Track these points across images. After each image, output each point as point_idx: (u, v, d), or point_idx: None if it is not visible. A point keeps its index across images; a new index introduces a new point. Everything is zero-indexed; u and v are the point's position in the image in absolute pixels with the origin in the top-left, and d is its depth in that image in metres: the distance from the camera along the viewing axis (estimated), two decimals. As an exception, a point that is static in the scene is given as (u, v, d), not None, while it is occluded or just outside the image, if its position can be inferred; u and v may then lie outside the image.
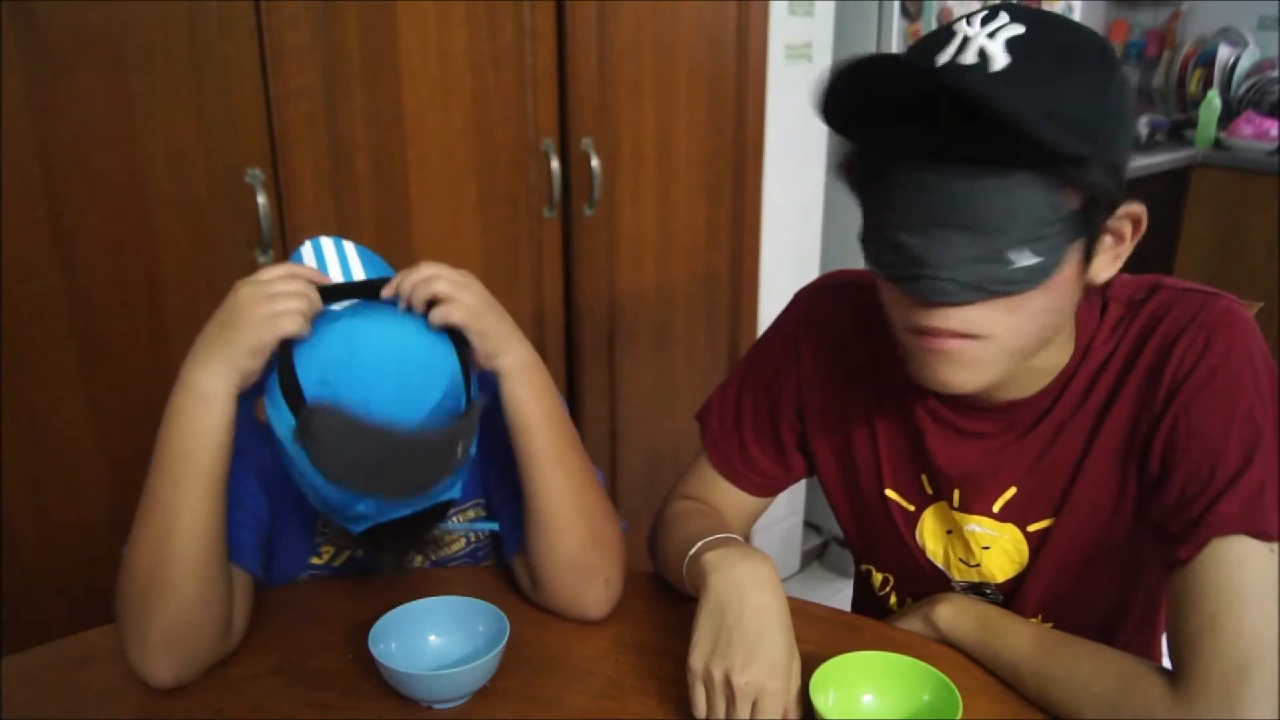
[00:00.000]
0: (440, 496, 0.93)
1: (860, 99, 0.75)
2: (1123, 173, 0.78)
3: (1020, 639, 0.89)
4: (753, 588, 0.84)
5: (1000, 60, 0.73)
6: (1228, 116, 3.53)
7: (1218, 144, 3.45)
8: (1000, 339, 0.80)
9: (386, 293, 0.92)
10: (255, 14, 1.36)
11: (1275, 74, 3.55)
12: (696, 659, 0.83)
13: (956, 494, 0.97)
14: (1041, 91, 0.72)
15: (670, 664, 0.94)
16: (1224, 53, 3.65)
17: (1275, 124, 3.37)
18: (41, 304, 1.30)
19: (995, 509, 0.96)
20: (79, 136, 1.28)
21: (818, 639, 0.95)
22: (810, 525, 2.67)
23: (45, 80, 1.24)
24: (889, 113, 0.75)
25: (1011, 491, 0.95)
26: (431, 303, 0.91)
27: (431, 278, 0.90)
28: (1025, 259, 0.75)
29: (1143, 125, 3.48)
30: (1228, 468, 0.79)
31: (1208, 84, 3.66)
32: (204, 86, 1.35)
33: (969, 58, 0.73)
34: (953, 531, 1.00)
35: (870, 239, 0.82)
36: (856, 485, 1.04)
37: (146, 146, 1.33)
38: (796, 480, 1.10)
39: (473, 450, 0.96)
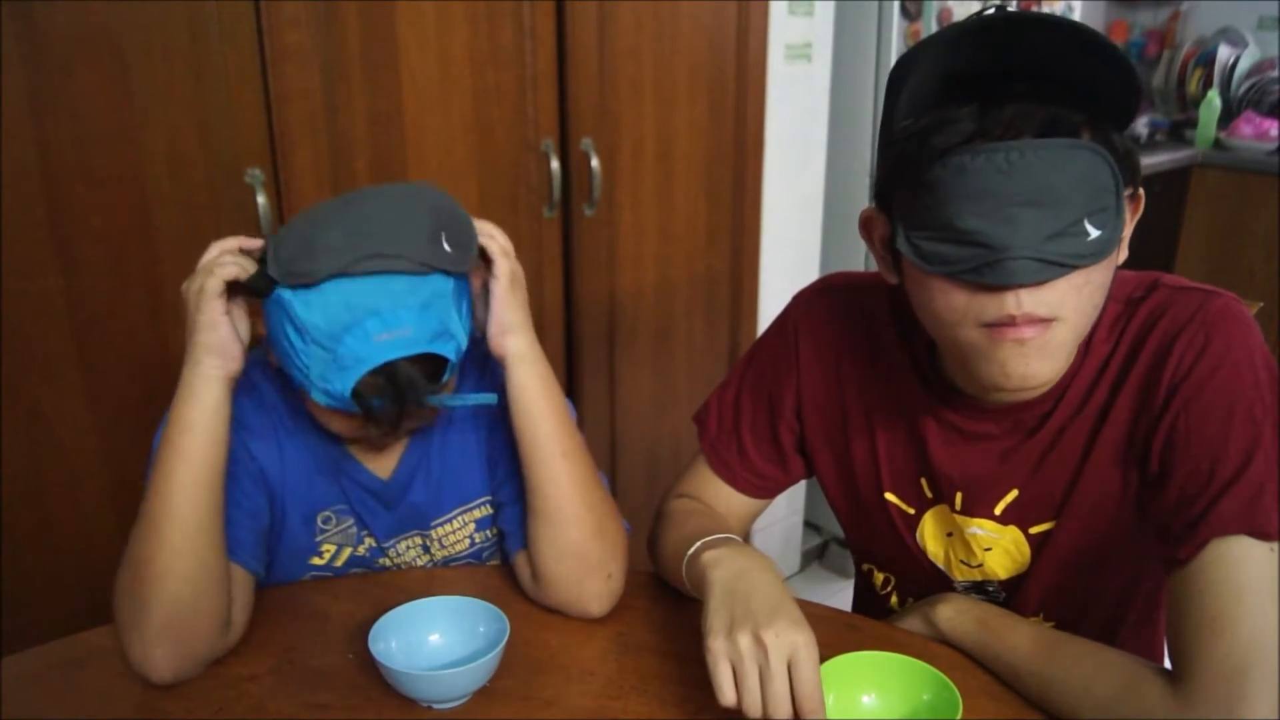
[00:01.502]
0: (432, 346, 0.90)
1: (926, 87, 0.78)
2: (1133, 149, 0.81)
3: (1020, 639, 0.89)
4: (757, 572, 0.85)
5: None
6: (1228, 116, 3.53)
7: (1218, 144, 3.45)
8: (1070, 320, 0.79)
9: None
10: (255, 14, 1.36)
11: (1275, 74, 3.55)
12: (715, 638, 0.79)
13: (959, 497, 0.97)
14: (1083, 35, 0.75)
15: (671, 664, 0.94)
16: (1224, 53, 3.65)
17: (1275, 124, 3.37)
18: (41, 304, 1.30)
19: (997, 512, 0.96)
20: (79, 136, 1.28)
21: (818, 639, 0.95)
22: (810, 525, 2.67)
23: (45, 80, 1.24)
24: (950, 100, 0.77)
25: (1014, 494, 0.95)
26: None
27: (494, 233, 0.96)
28: (1094, 230, 0.77)
29: (1143, 125, 3.48)
30: (1227, 467, 0.79)
31: (1207, 84, 3.66)
32: (204, 87, 1.35)
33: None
34: (953, 534, 1.00)
35: (922, 241, 0.80)
36: (856, 488, 1.04)
37: (146, 146, 1.33)
38: (795, 482, 1.10)
39: (465, 324, 0.94)
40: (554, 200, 1.74)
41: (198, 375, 0.90)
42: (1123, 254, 0.84)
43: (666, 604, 1.03)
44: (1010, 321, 0.78)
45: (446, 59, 1.56)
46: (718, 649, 0.79)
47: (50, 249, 1.29)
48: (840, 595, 2.50)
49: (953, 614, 0.95)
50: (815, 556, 2.70)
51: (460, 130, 1.61)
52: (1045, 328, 0.79)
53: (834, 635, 0.96)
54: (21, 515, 1.34)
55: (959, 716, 0.80)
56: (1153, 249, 3.45)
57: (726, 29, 1.91)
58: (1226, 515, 0.78)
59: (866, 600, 1.15)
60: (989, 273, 0.76)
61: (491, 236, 0.96)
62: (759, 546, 2.32)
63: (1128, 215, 0.84)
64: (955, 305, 0.81)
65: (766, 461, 1.07)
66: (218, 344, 0.89)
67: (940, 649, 0.95)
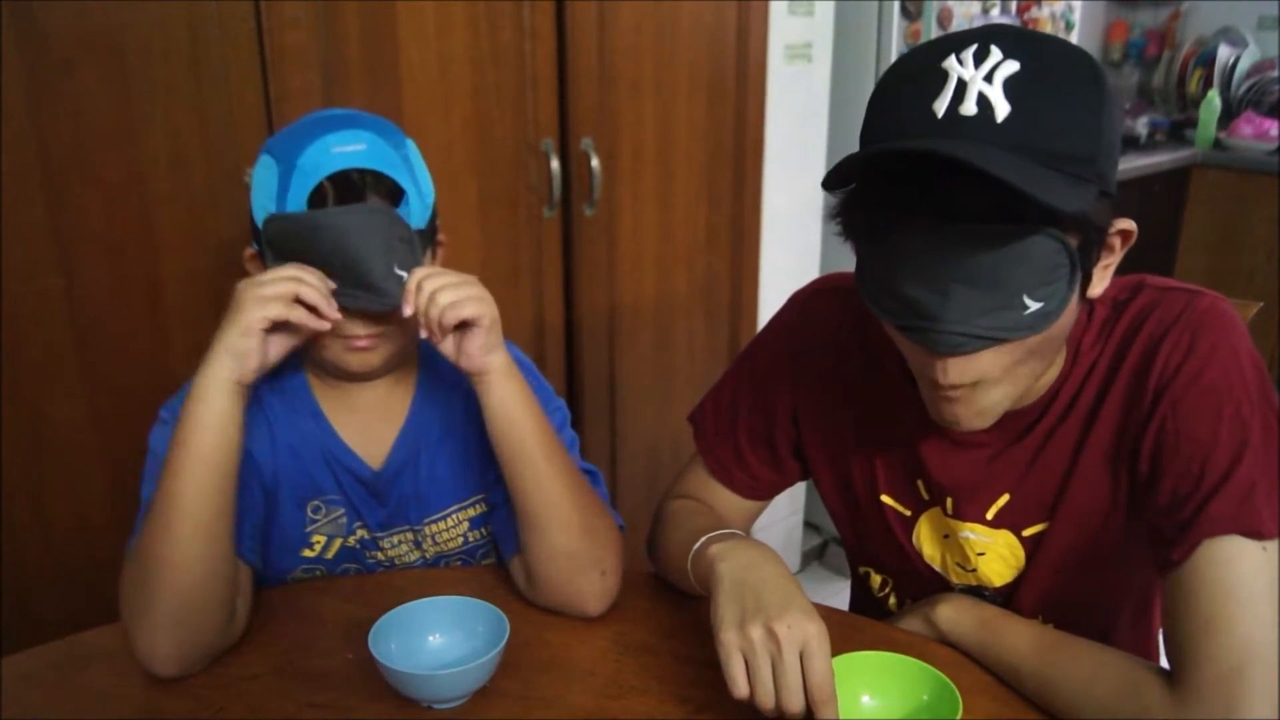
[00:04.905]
0: (387, 169, 0.95)
1: (866, 170, 0.77)
2: (1114, 192, 0.77)
3: (1020, 639, 0.89)
4: (766, 564, 0.85)
5: (1002, 109, 0.71)
6: (1228, 116, 3.53)
7: (1217, 144, 3.46)
8: (1004, 381, 0.81)
9: (407, 311, 0.94)
10: (255, 14, 1.36)
11: (1275, 74, 3.56)
12: (727, 630, 0.79)
13: (949, 502, 0.97)
14: (1044, 140, 0.71)
15: (670, 664, 0.94)
16: (1224, 53, 3.65)
17: (1275, 124, 3.37)
18: (41, 304, 1.30)
19: (989, 516, 0.96)
20: (79, 136, 1.28)
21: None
22: (810, 525, 2.67)
23: (45, 80, 1.24)
24: (894, 174, 0.75)
25: (1005, 499, 0.95)
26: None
27: (457, 302, 0.92)
28: (1033, 304, 0.75)
29: (1143, 125, 3.48)
30: (1217, 468, 0.79)
31: (1208, 84, 3.66)
32: (204, 86, 1.35)
33: (969, 107, 0.71)
34: (949, 536, 0.99)
35: (871, 285, 0.81)
36: (852, 490, 1.04)
37: (146, 146, 1.33)
38: (791, 484, 1.10)
39: (421, 189, 0.99)
40: (554, 200, 1.74)
41: (211, 377, 0.90)
42: (1099, 288, 0.82)
43: (666, 604, 1.03)
44: (942, 385, 0.80)
45: (446, 59, 1.56)
46: (730, 641, 0.79)
47: (50, 249, 1.29)
48: (841, 595, 2.49)
49: (953, 614, 0.95)
50: (815, 556, 2.70)
51: (460, 130, 1.61)
52: (974, 387, 0.80)
53: (834, 635, 0.95)
54: (21, 515, 1.34)
55: (959, 716, 0.80)
56: (1153, 249, 3.45)
57: (726, 29, 1.91)
58: (1218, 516, 0.78)
59: (864, 604, 1.15)
60: (920, 337, 0.78)
61: (460, 304, 0.93)
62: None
63: (1107, 251, 0.81)
64: (901, 344, 0.84)
65: (763, 464, 1.07)
66: (242, 350, 0.90)
67: (940, 649, 0.95)
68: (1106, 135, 0.74)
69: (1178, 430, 0.82)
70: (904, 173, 0.74)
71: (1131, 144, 3.39)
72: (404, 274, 0.95)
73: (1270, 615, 0.75)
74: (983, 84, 0.71)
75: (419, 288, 0.93)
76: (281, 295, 0.90)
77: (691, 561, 0.93)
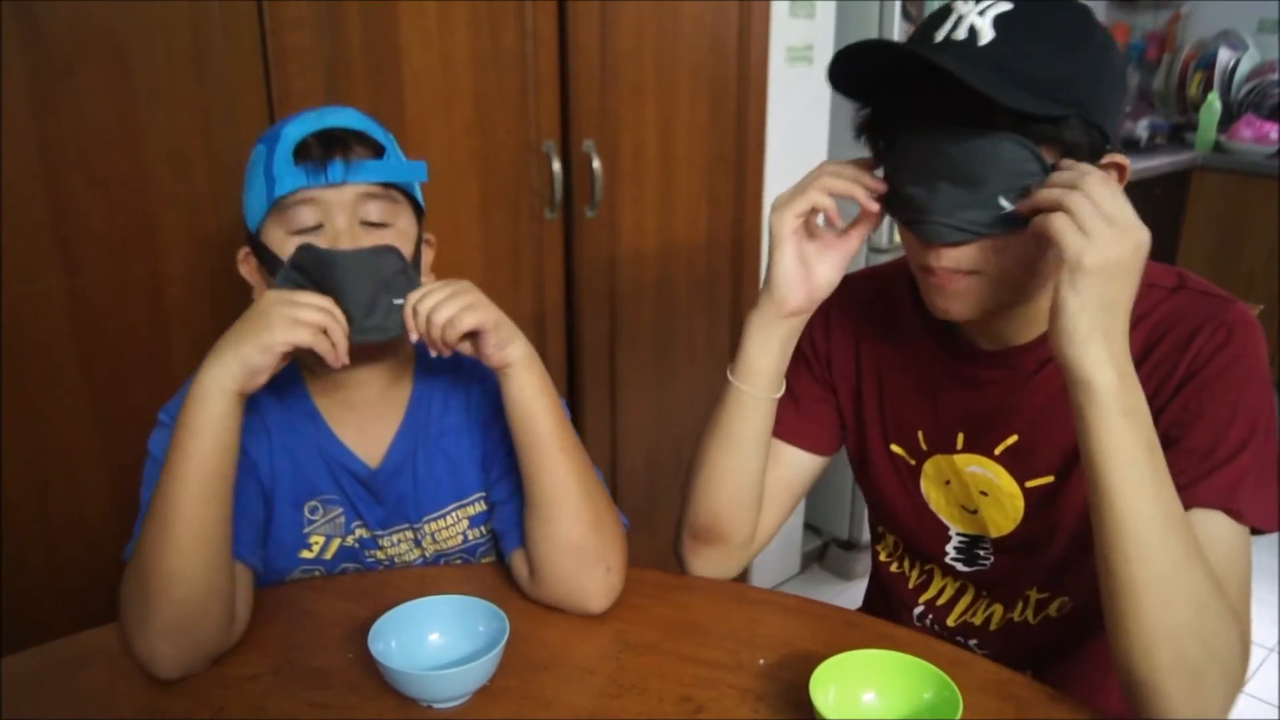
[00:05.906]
0: (370, 129, 1.01)
1: (866, 74, 0.88)
2: (1105, 126, 0.86)
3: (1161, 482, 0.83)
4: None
5: (986, 35, 0.83)
6: (1228, 119, 3.54)
7: (1218, 147, 3.46)
8: (991, 274, 0.89)
9: (414, 338, 0.96)
10: (258, 15, 1.36)
11: (1275, 77, 3.56)
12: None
13: (961, 437, 1.02)
14: (1018, 62, 0.81)
15: (670, 664, 0.94)
16: (1224, 56, 3.65)
17: (1275, 127, 3.38)
18: (42, 304, 1.30)
19: (996, 452, 1.00)
20: (81, 136, 1.28)
21: (818, 636, 0.95)
22: (810, 527, 2.67)
23: (47, 80, 1.24)
24: (893, 84, 0.87)
25: (1013, 439, 0.99)
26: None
27: (454, 318, 0.94)
28: (1008, 205, 0.85)
29: (1143, 128, 3.49)
30: (1225, 448, 0.87)
31: (1208, 87, 3.67)
32: (206, 87, 1.35)
33: (960, 34, 0.84)
34: (950, 482, 1.04)
35: (887, 193, 0.93)
36: (865, 441, 1.10)
37: (148, 147, 1.33)
38: (844, 432, 1.13)
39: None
40: (555, 202, 1.74)
41: (213, 383, 0.89)
42: None
43: (667, 603, 1.03)
44: (932, 271, 0.90)
45: (448, 60, 1.56)
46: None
47: (51, 249, 1.29)
48: (841, 597, 2.50)
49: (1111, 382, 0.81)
50: (815, 558, 2.70)
51: (462, 132, 1.61)
52: (963, 277, 0.89)
53: (834, 633, 0.96)
54: (23, 515, 1.34)
55: (959, 715, 0.80)
56: (1153, 252, 3.44)
57: (728, 31, 1.92)
58: (1210, 490, 0.86)
59: (876, 598, 1.17)
60: (915, 229, 0.89)
61: (458, 318, 0.94)
62: (759, 548, 2.31)
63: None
64: (907, 245, 0.95)
65: (819, 402, 1.11)
66: (257, 365, 0.89)
67: (942, 647, 0.95)
68: (1090, 68, 0.84)
69: (1200, 409, 0.89)
70: (905, 86, 0.86)
71: (1132, 147, 3.40)
72: (399, 301, 0.96)
73: (1245, 580, 0.86)
74: (975, 17, 0.84)
75: (415, 312, 0.95)
76: (314, 324, 0.90)
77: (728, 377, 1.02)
